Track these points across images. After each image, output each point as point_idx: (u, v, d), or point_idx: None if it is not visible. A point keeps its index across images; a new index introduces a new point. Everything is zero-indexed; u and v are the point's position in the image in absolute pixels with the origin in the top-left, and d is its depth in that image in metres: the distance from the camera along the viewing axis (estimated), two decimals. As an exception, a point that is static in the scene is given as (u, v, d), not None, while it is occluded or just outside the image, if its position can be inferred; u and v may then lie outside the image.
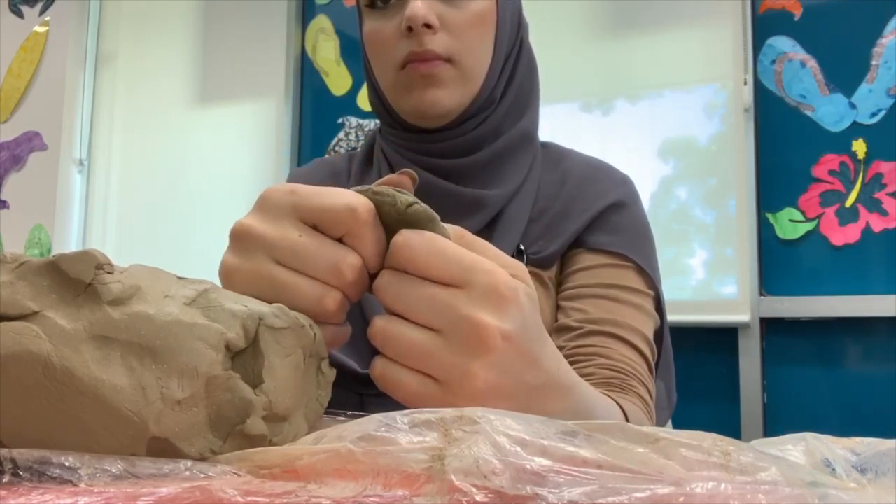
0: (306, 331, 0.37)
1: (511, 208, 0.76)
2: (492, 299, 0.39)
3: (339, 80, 2.47)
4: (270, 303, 0.39)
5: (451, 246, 0.40)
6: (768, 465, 0.27)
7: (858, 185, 1.84)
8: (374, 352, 0.76)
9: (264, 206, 0.42)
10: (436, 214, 0.42)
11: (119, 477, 0.28)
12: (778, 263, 1.89)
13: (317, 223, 0.41)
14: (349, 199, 0.41)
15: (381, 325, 0.40)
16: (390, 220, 0.42)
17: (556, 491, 0.25)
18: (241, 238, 0.41)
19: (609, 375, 0.67)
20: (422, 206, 0.42)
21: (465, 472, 0.26)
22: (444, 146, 0.75)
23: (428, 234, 0.40)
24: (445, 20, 0.71)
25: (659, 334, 0.77)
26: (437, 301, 0.39)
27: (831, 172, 1.86)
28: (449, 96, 0.72)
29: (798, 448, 0.31)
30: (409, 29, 0.70)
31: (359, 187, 0.42)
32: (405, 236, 0.40)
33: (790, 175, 1.90)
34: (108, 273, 0.33)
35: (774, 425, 1.85)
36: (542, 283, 0.75)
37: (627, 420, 0.59)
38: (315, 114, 2.50)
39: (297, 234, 0.40)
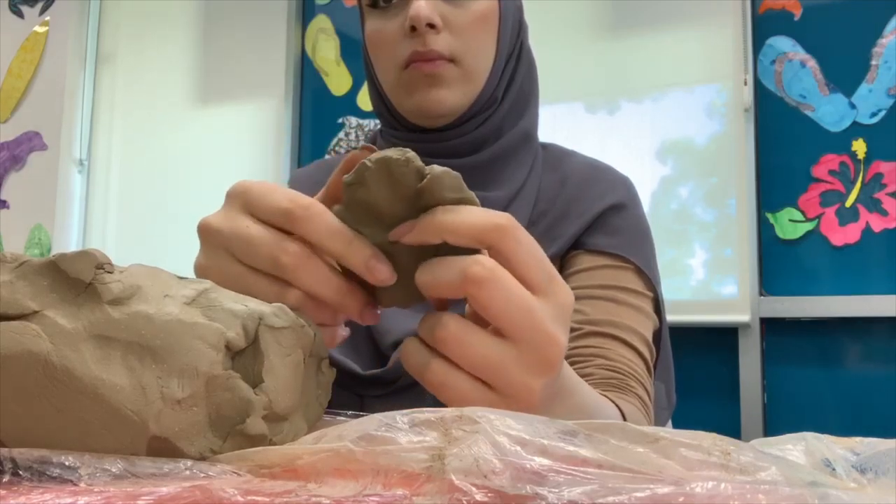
0: (306, 330, 0.37)
1: (511, 210, 0.76)
2: (566, 314, 0.39)
3: (339, 80, 2.47)
4: None
5: (539, 248, 0.39)
6: (768, 464, 0.27)
7: (858, 185, 1.84)
8: (375, 352, 0.75)
9: (225, 202, 0.43)
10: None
11: (119, 476, 0.28)
12: (778, 263, 1.89)
13: (264, 218, 0.41)
14: (285, 199, 0.40)
15: (458, 332, 0.38)
16: (402, 186, 0.39)
17: (556, 490, 0.25)
18: (202, 235, 0.42)
19: (607, 376, 0.67)
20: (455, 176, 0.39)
21: (465, 471, 0.26)
22: (445, 146, 0.75)
23: (524, 231, 0.39)
24: (448, 20, 0.71)
25: (658, 335, 0.77)
26: (533, 314, 0.37)
27: (831, 172, 1.86)
28: (452, 96, 0.72)
29: (798, 448, 0.31)
30: (413, 29, 0.70)
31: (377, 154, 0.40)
32: (511, 223, 0.38)
33: (790, 175, 1.90)
34: (108, 273, 0.33)
35: (774, 425, 1.85)
36: (541, 283, 0.75)
37: (625, 420, 0.59)
38: (315, 114, 2.50)
39: (246, 227, 0.41)
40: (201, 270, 0.42)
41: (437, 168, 0.39)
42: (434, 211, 0.39)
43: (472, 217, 0.38)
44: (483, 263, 0.37)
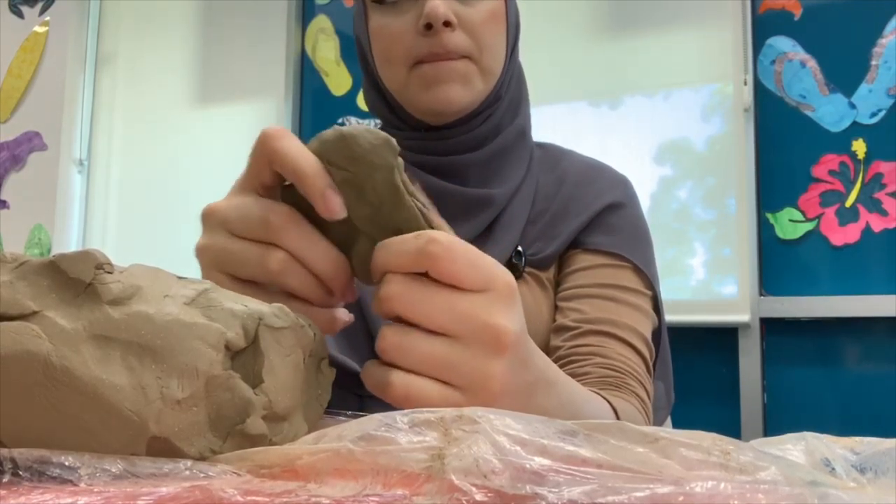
0: (306, 331, 0.37)
1: (510, 208, 0.76)
2: (506, 301, 0.39)
3: (339, 80, 2.47)
4: (229, 274, 0.41)
5: (472, 248, 0.40)
6: (768, 464, 0.27)
7: (858, 185, 1.84)
8: (373, 351, 0.75)
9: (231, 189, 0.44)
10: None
11: (119, 477, 0.28)
12: (778, 263, 1.89)
13: (253, 174, 0.43)
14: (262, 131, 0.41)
15: (395, 339, 0.39)
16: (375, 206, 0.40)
17: (556, 490, 0.25)
18: (204, 219, 0.44)
19: (606, 374, 0.67)
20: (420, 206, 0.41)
21: (464, 471, 0.26)
22: (449, 143, 0.75)
23: (453, 236, 0.40)
24: (461, 18, 0.71)
25: (657, 334, 0.77)
26: (456, 309, 0.38)
27: (831, 172, 1.86)
28: (468, 93, 0.72)
29: (798, 447, 0.31)
30: (428, 27, 0.69)
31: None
32: (445, 248, 0.38)
33: (790, 175, 1.90)
34: (108, 273, 0.33)
35: (774, 425, 1.85)
36: (540, 284, 0.75)
37: (618, 417, 0.59)
38: (315, 114, 2.50)
39: (241, 199, 0.42)
40: (197, 250, 0.43)
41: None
42: (375, 250, 0.41)
43: (404, 248, 0.39)
44: (393, 283, 0.39)
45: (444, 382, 0.39)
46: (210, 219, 0.43)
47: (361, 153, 0.40)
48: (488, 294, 0.39)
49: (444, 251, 0.38)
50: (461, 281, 0.39)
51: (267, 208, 0.41)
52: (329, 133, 0.41)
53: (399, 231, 0.40)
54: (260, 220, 0.41)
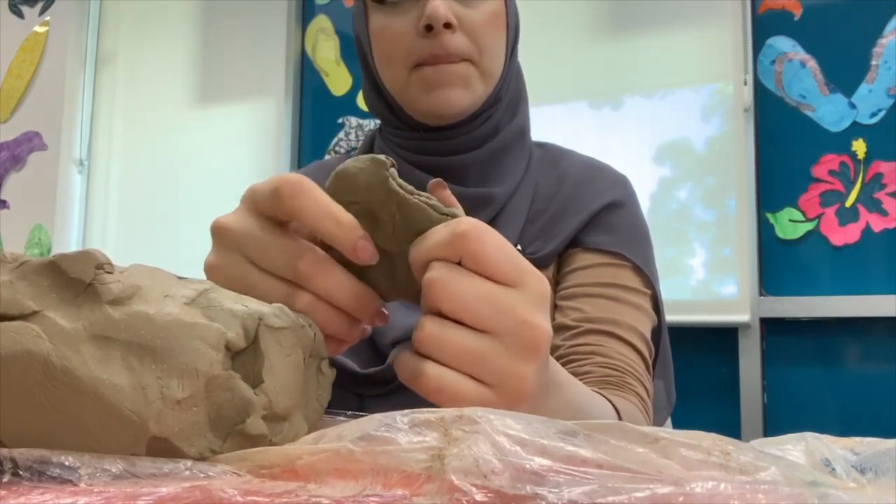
0: (306, 331, 0.37)
1: (509, 207, 0.76)
2: (540, 301, 0.39)
3: (339, 80, 2.47)
4: None
5: (501, 236, 0.40)
6: (768, 464, 0.27)
7: (858, 185, 1.84)
8: (373, 351, 0.75)
9: (241, 202, 0.43)
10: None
11: (119, 477, 0.28)
12: (778, 263, 1.89)
13: (263, 208, 0.42)
14: (274, 181, 0.41)
15: (433, 330, 0.38)
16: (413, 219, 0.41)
17: (556, 490, 0.25)
18: (215, 235, 0.43)
19: (606, 373, 0.67)
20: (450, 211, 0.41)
21: (464, 471, 0.26)
22: (450, 144, 0.75)
23: (489, 227, 0.40)
24: (462, 19, 0.71)
25: (657, 333, 0.77)
26: (497, 302, 0.38)
27: (831, 172, 1.86)
28: (469, 96, 0.72)
29: (798, 448, 0.31)
30: (428, 28, 0.69)
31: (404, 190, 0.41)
32: (473, 227, 0.39)
33: (790, 175, 1.90)
34: (108, 273, 0.33)
35: (774, 425, 1.85)
36: (540, 283, 0.75)
37: (620, 417, 0.59)
38: (315, 114, 2.50)
39: (260, 230, 0.41)
40: (210, 269, 0.43)
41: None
42: (409, 253, 0.41)
43: (435, 237, 0.39)
44: (434, 269, 0.39)
45: (478, 380, 0.38)
46: (222, 238, 0.42)
47: (356, 181, 0.41)
48: (524, 290, 0.39)
49: (472, 229, 0.38)
50: (494, 267, 0.38)
51: (292, 252, 0.41)
52: (329, 179, 0.42)
53: (421, 232, 0.41)
54: (287, 263, 0.40)
